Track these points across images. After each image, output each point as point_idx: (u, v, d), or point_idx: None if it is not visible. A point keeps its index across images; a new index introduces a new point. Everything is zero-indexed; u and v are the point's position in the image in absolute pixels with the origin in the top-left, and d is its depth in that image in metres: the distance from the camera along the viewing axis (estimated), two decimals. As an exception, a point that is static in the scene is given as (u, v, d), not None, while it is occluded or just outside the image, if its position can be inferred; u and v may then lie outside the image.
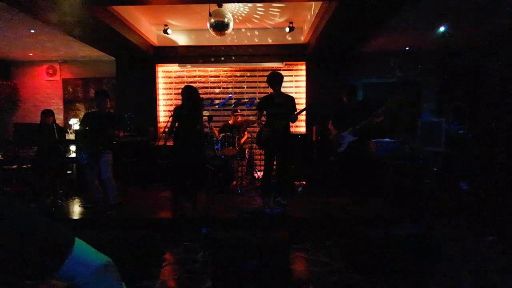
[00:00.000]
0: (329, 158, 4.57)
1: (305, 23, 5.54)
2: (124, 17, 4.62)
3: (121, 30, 4.63)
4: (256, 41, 5.92)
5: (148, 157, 5.36)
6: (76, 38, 5.01)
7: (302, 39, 5.80)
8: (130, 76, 6.11)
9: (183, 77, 6.36)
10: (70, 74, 6.94)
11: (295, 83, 6.20)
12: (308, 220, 3.56)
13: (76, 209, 4.03)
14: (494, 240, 3.08)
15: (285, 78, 6.19)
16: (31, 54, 6.44)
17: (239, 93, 6.32)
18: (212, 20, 4.22)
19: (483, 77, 5.70)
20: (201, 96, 6.26)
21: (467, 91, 6.02)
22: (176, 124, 3.89)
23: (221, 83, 6.33)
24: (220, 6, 4.36)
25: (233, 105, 6.24)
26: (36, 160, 4.45)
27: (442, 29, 5.05)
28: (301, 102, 6.03)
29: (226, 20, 4.22)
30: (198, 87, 6.29)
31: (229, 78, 6.32)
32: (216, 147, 4.64)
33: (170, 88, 6.36)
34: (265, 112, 3.95)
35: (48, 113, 4.52)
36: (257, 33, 5.90)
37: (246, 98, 6.29)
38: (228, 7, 4.74)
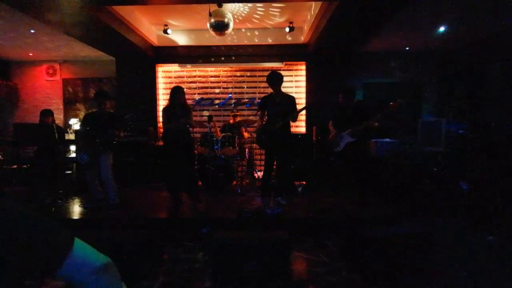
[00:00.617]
0: (329, 158, 4.57)
1: (305, 23, 5.54)
2: (124, 17, 4.62)
3: (121, 30, 4.63)
4: (256, 41, 5.92)
5: (148, 157, 5.36)
6: (76, 38, 5.01)
7: (302, 39, 5.80)
8: (130, 76, 6.11)
9: (183, 77, 6.36)
10: (70, 74, 6.94)
11: (295, 83, 6.20)
12: (308, 220, 3.56)
13: (76, 209, 4.02)
14: (494, 240, 3.08)
15: (285, 78, 6.17)
16: (31, 54, 6.44)
17: (239, 93, 6.32)
18: (212, 20, 4.22)
19: (483, 77, 5.70)
20: (201, 96, 6.29)
21: (467, 91, 6.01)
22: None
23: (221, 83, 6.33)
24: (220, 6, 4.36)
25: (233, 105, 6.24)
26: (36, 160, 4.45)
27: (442, 29, 5.05)
28: (301, 102, 6.03)
29: (226, 20, 4.22)
30: (198, 87, 6.35)
31: (229, 78, 6.32)
32: (216, 147, 4.64)
33: (170, 88, 6.33)
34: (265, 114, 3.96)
35: (47, 113, 4.52)
36: (257, 33, 5.90)
37: (246, 98, 6.29)
38: (228, 7, 4.74)
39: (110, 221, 3.55)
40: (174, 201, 3.97)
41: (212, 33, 4.40)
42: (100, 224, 3.53)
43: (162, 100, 6.32)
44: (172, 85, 4.04)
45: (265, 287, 2.23)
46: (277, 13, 5.12)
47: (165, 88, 6.36)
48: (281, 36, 5.81)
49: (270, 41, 5.92)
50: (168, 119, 3.84)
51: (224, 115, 6.26)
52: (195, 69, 6.26)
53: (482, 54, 5.71)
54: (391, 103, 3.51)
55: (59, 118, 6.74)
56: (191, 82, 6.33)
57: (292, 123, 3.94)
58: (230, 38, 5.78)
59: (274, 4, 4.78)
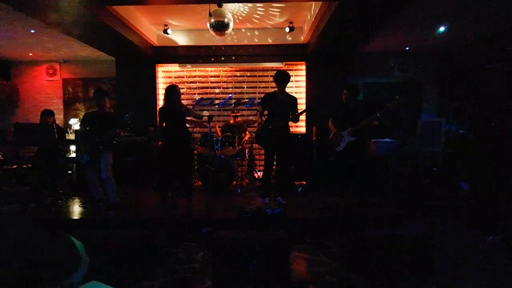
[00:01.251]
0: (329, 157, 4.57)
1: (305, 23, 5.54)
2: (124, 17, 4.62)
3: (121, 30, 4.63)
4: (256, 41, 5.92)
5: (148, 157, 5.36)
6: (76, 38, 5.01)
7: (302, 39, 5.80)
8: (130, 76, 6.11)
9: (183, 77, 6.36)
10: (70, 74, 6.94)
11: (295, 83, 6.20)
12: (308, 220, 3.56)
13: (76, 209, 4.03)
14: (494, 240, 3.08)
15: (285, 78, 6.22)
16: (31, 54, 6.44)
17: (239, 93, 6.32)
18: (212, 20, 4.22)
19: (483, 77, 5.69)
20: (201, 96, 6.28)
21: (467, 91, 6.01)
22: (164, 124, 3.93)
23: (221, 83, 6.33)
24: (220, 6, 4.36)
25: (233, 105, 6.24)
26: (36, 160, 4.45)
27: (442, 29, 5.05)
28: (301, 102, 6.02)
29: (226, 20, 4.22)
30: (198, 87, 6.35)
31: (229, 78, 6.32)
32: (216, 147, 4.64)
33: (166, 88, 6.35)
34: (266, 112, 3.96)
35: (48, 113, 4.52)
36: (257, 33, 5.90)
37: (246, 98, 6.28)
38: (228, 7, 4.74)
39: (110, 221, 3.55)
40: (162, 199, 3.97)
41: (212, 33, 4.40)
42: (100, 224, 3.53)
43: (162, 100, 6.31)
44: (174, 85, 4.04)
45: (265, 287, 2.23)
46: (277, 13, 5.12)
47: (165, 88, 6.35)
48: (281, 36, 5.81)
49: (270, 41, 5.92)
50: (165, 119, 3.84)
51: (224, 115, 6.25)
52: (195, 69, 6.26)
53: (482, 54, 5.70)
54: (389, 101, 3.51)
55: (59, 118, 6.73)
56: (191, 82, 6.33)
57: (289, 123, 3.94)
58: (230, 38, 5.78)
59: (274, 4, 4.78)
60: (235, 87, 6.32)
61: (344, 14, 3.97)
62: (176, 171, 3.88)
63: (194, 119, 4.27)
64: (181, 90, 4.08)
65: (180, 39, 5.98)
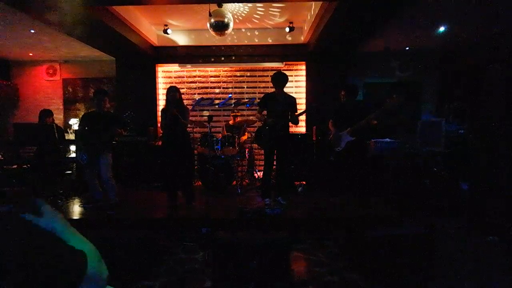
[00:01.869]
0: (329, 158, 4.57)
1: (305, 23, 5.54)
2: (124, 17, 4.62)
3: (121, 30, 4.63)
4: (256, 41, 5.92)
5: (148, 157, 5.36)
6: (76, 38, 5.01)
7: (302, 39, 5.80)
8: (130, 76, 6.11)
9: (183, 77, 6.36)
10: (70, 74, 6.94)
11: (295, 83, 6.20)
12: (308, 220, 3.56)
13: (76, 209, 4.03)
14: (494, 240, 3.08)
15: (285, 78, 6.22)
16: (31, 54, 6.44)
17: (239, 93, 6.32)
18: (212, 20, 4.22)
19: (483, 77, 5.70)
20: (201, 96, 6.28)
21: (467, 91, 6.01)
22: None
23: (221, 83, 6.33)
24: (220, 6, 4.36)
25: (233, 105, 6.24)
26: (36, 160, 4.45)
27: (442, 29, 5.05)
28: (301, 102, 6.03)
29: (226, 20, 4.22)
30: (198, 87, 6.34)
31: (229, 78, 6.32)
32: (216, 147, 4.64)
33: (166, 89, 6.35)
34: (265, 112, 3.96)
35: (47, 113, 4.52)
36: (257, 33, 5.90)
37: (246, 98, 6.28)
38: (228, 7, 4.74)
39: (110, 221, 3.55)
40: (170, 200, 3.98)
41: (212, 33, 4.40)
42: (100, 224, 3.53)
43: (162, 100, 6.32)
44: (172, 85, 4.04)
45: (265, 287, 2.23)
46: (277, 13, 5.12)
47: (165, 88, 6.34)
48: (281, 36, 5.81)
49: (270, 41, 5.92)
50: (166, 119, 3.85)
51: (224, 115, 6.25)
52: (195, 69, 6.26)
53: (482, 54, 5.70)
54: (388, 100, 3.51)
55: (59, 118, 6.74)
56: (191, 82, 6.33)
57: (293, 125, 3.94)
58: (230, 38, 5.78)
59: (274, 4, 4.78)
60: (235, 87, 6.32)
61: (344, 13, 3.97)
62: (177, 171, 3.88)
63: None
64: (181, 90, 4.07)
65: (180, 39, 5.98)
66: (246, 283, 2.22)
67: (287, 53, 6.02)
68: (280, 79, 3.82)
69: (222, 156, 4.71)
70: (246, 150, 5.37)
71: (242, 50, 5.97)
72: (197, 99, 6.30)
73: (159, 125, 6.22)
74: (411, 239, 2.44)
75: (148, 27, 5.58)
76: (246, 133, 5.52)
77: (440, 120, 4.70)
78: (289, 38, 5.82)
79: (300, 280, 2.47)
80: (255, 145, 5.59)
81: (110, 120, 3.77)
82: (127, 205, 4.05)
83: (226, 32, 4.34)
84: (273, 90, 3.98)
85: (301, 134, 5.56)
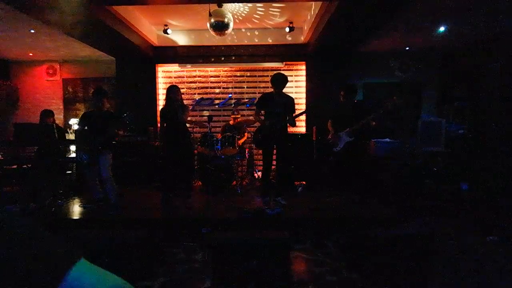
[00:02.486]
0: (329, 158, 4.57)
1: (305, 23, 5.54)
2: (124, 17, 4.62)
3: (121, 30, 4.63)
4: (256, 41, 5.92)
5: (148, 157, 5.36)
6: (76, 38, 5.01)
7: (302, 39, 5.80)
8: (130, 76, 6.11)
9: (183, 77, 6.35)
10: (70, 74, 6.94)
11: (295, 83, 6.20)
12: (308, 220, 3.56)
13: (76, 209, 4.03)
14: (494, 240, 3.08)
15: (285, 78, 6.22)
16: (31, 54, 6.44)
17: (239, 93, 6.32)
18: (212, 20, 4.22)
19: (483, 77, 5.70)
20: (201, 96, 6.29)
21: (467, 91, 6.01)
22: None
23: (221, 83, 6.33)
24: (220, 6, 4.36)
25: (233, 105, 6.24)
26: (36, 160, 4.45)
27: (442, 29, 5.05)
28: (301, 102, 6.03)
29: (226, 20, 4.22)
30: (198, 87, 6.34)
31: (229, 78, 6.32)
32: (216, 147, 4.64)
33: (166, 89, 6.35)
34: (263, 112, 3.95)
35: (48, 113, 4.52)
36: (257, 33, 5.89)
37: (246, 98, 6.28)
38: (228, 7, 4.73)
39: (110, 221, 3.55)
40: (165, 199, 3.97)
41: (212, 33, 4.40)
42: (100, 224, 3.53)
43: (162, 100, 6.32)
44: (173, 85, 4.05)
45: (265, 287, 2.23)
46: (277, 13, 5.12)
47: (165, 88, 6.34)
48: (281, 36, 5.81)
49: (270, 41, 5.92)
50: (166, 119, 3.85)
51: (224, 115, 6.25)
52: (195, 69, 6.26)
53: (482, 54, 5.70)
54: (387, 101, 3.51)
55: (59, 118, 6.73)
56: (191, 82, 6.33)
57: (293, 126, 3.94)
58: (230, 38, 5.78)
59: (274, 4, 4.77)
60: (235, 87, 6.32)
61: (344, 14, 3.97)
62: (177, 171, 3.89)
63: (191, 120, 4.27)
64: (181, 90, 4.08)
65: (180, 39, 5.98)
66: (246, 283, 2.22)
67: (287, 53, 6.02)
68: (280, 80, 3.81)
69: (222, 156, 4.71)
70: (246, 150, 5.37)
71: (242, 50, 5.97)
72: (197, 99, 6.30)
73: (159, 125, 6.22)
74: (411, 239, 2.44)
75: (148, 27, 5.58)
76: (246, 134, 5.52)
77: (440, 120, 4.71)
78: (289, 38, 5.82)
79: (300, 280, 2.47)
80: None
81: (109, 120, 3.76)
82: (127, 205, 4.04)
83: (226, 32, 4.34)
84: (271, 90, 3.98)
85: (301, 134, 5.56)
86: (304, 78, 6.15)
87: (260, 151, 4.95)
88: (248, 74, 6.30)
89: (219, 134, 5.32)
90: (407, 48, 6.16)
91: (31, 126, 4.89)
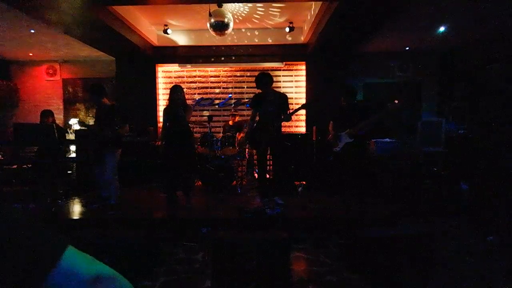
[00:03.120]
0: (329, 158, 4.57)
1: (305, 23, 5.54)
2: (124, 17, 4.62)
3: (121, 30, 4.64)
4: (256, 41, 5.92)
5: (148, 157, 5.36)
6: (76, 38, 5.01)
7: (302, 39, 5.80)
8: (130, 76, 6.11)
9: (183, 77, 6.36)
10: (70, 74, 6.94)
11: (295, 83, 6.20)
12: (308, 220, 3.56)
13: (76, 209, 4.03)
14: (494, 240, 3.08)
15: (285, 78, 6.25)
16: (31, 54, 6.44)
17: (239, 93, 6.32)
18: (212, 20, 4.22)
19: (483, 77, 5.70)
20: (201, 96, 6.29)
21: (467, 91, 6.01)
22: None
23: (221, 83, 6.33)
24: (220, 6, 4.36)
25: (233, 105, 6.25)
26: (36, 160, 4.45)
27: (442, 29, 5.05)
28: (301, 102, 6.03)
29: (226, 20, 4.22)
30: (198, 87, 6.35)
31: (229, 78, 6.32)
32: (216, 147, 4.64)
33: (170, 88, 6.35)
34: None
35: (47, 114, 4.53)
36: (257, 33, 5.90)
37: (246, 98, 6.28)
38: (228, 7, 4.74)
39: (110, 221, 3.55)
40: (169, 199, 3.97)
41: (212, 33, 4.40)
42: (100, 224, 3.53)
43: (162, 100, 6.32)
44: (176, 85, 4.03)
45: (265, 287, 2.23)
46: (277, 13, 5.12)
47: (165, 88, 6.36)
48: (281, 36, 5.81)
49: (270, 41, 5.92)
50: (169, 119, 3.85)
51: (224, 115, 6.25)
52: (195, 69, 6.26)
53: (482, 54, 5.71)
54: (390, 104, 3.51)
55: (59, 118, 6.73)
56: (191, 82, 6.33)
57: (289, 123, 3.92)
58: (230, 38, 5.78)
59: (274, 4, 4.78)
60: (235, 87, 6.32)
61: (344, 14, 3.97)
62: (179, 170, 3.88)
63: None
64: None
65: (180, 39, 5.98)
66: (246, 283, 2.22)
67: (287, 53, 6.02)
68: (261, 79, 3.77)
69: (222, 156, 4.71)
70: (246, 150, 5.37)
71: (242, 50, 5.97)
72: (197, 99, 6.30)
73: (159, 125, 6.23)
74: (411, 239, 2.44)
75: (148, 27, 5.58)
76: (241, 133, 5.51)
77: (440, 120, 4.71)
78: (289, 38, 5.82)
79: (300, 280, 2.47)
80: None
81: (110, 112, 3.65)
82: (127, 205, 4.04)
83: (226, 32, 4.35)
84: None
85: (301, 134, 5.56)
86: (304, 78, 6.15)
87: (260, 151, 4.94)
88: (248, 74, 6.30)
89: (219, 134, 5.33)
90: (407, 48, 6.16)
91: (31, 126, 4.89)
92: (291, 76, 6.21)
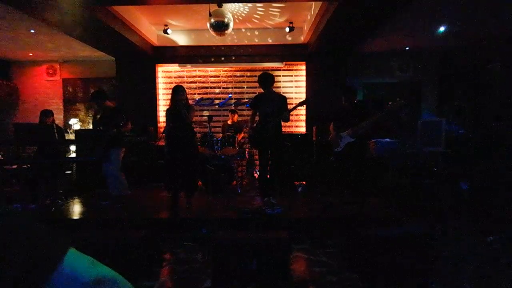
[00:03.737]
0: (329, 158, 4.57)
1: (305, 23, 5.54)
2: (124, 17, 4.62)
3: (121, 30, 4.63)
4: (256, 41, 5.92)
5: (148, 157, 5.36)
6: (76, 38, 5.01)
7: (302, 39, 5.80)
8: (130, 76, 6.11)
9: (183, 77, 6.36)
10: (70, 74, 6.94)
11: (295, 83, 6.20)
12: (308, 220, 3.55)
13: (76, 209, 4.03)
14: (494, 240, 3.08)
15: (285, 78, 6.25)
16: (31, 54, 6.44)
17: (239, 93, 6.32)
18: (212, 20, 4.22)
19: (483, 77, 5.70)
20: (201, 96, 6.29)
21: (467, 91, 6.02)
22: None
23: (221, 83, 6.33)
24: (220, 6, 4.36)
25: (233, 105, 6.25)
26: (36, 160, 4.45)
27: (442, 29, 5.05)
28: (301, 102, 6.03)
29: (226, 20, 4.22)
30: (198, 87, 6.34)
31: (229, 78, 6.32)
32: (216, 147, 4.64)
33: (170, 88, 6.32)
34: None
35: (47, 114, 4.53)
36: (257, 33, 5.90)
37: (246, 98, 6.28)
38: (228, 7, 4.74)
39: (110, 221, 3.55)
40: (172, 200, 3.98)
41: (212, 33, 4.40)
42: (100, 224, 3.53)
43: (162, 100, 6.33)
44: (172, 85, 4.05)
45: (265, 287, 2.23)
46: (277, 13, 5.12)
47: (165, 88, 6.36)
48: (281, 36, 5.81)
49: (270, 41, 5.92)
50: (172, 119, 3.84)
51: (224, 115, 6.25)
52: (195, 69, 6.26)
53: (482, 54, 5.71)
54: (389, 103, 3.51)
55: (59, 118, 6.74)
56: (191, 82, 6.33)
57: (289, 123, 3.92)
58: (230, 38, 5.78)
59: (274, 4, 4.78)
60: (235, 87, 6.32)
61: (344, 14, 3.97)
62: (182, 171, 3.89)
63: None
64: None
65: (180, 39, 5.98)
66: (246, 283, 2.22)
67: (287, 53, 6.02)
68: (265, 79, 3.80)
69: (222, 156, 4.71)
70: (246, 150, 5.38)
71: (242, 50, 5.97)
72: (197, 99, 6.30)
73: (159, 125, 6.23)
74: (411, 239, 2.44)
75: (148, 27, 5.58)
76: (242, 133, 5.51)
77: (440, 120, 4.70)
78: (289, 38, 5.82)
79: (300, 280, 2.47)
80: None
81: (113, 113, 3.93)
82: (127, 205, 4.04)
83: (226, 32, 4.35)
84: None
85: (301, 134, 5.56)
86: (304, 78, 6.15)
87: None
88: (248, 74, 6.30)
89: (219, 134, 5.33)
90: (407, 48, 6.16)
91: (31, 126, 4.89)
92: (291, 76, 6.21)
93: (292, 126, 6.18)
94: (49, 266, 0.46)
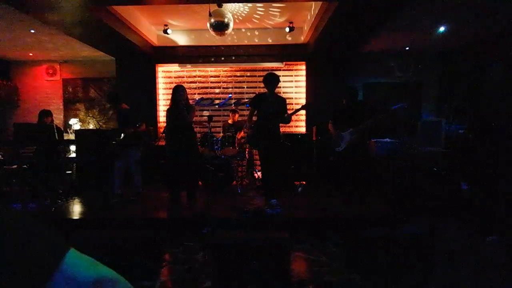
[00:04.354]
0: (329, 158, 4.57)
1: (305, 23, 5.54)
2: (124, 17, 4.62)
3: (121, 30, 4.63)
4: (256, 41, 5.92)
5: (148, 157, 5.35)
6: (76, 38, 5.01)
7: (302, 39, 5.80)
8: (130, 76, 6.11)
9: (183, 77, 6.35)
10: (70, 74, 6.94)
11: (295, 83, 6.20)
12: (308, 220, 3.56)
13: (76, 209, 4.03)
14: (494, 240, 3.08)
15: (285, 78, 6.25)
16: (31, 54, 6.44)
17: (239, 93, 6.32)
18: (212, 20, 4.22)
19: (483, 77, 5.70)
20: (201, 96, 6.29)
21: (467, 91, 6.01)
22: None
23: (221, 83, 6.33)
24: (220, 6, 4.36)
25: (233, 105, 6.24)
26: (35, 160, 4.45)
27: (442, 29, 5.05)
28: (301, 102, 6.03)
29: (226, 20, 4.22)
30: (198, 87, 6.34)
31: (229, 78, 6.32)
32: (216, 147, 4.64)
33: (170, 88, 6.34)
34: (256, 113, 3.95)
35: (46, 114, 4.54)
36: (257, 33, 5.89)
37: (246, 98, 6.28)
38: (228, 7, 4.74)
39: (110, 221, 3.55)
40: (172, 200, 3.98)
41: (212, 33, 4.40)
42: (100, 224, 3.53)
43: (162, 100, 6.32)
44: (172, 85, 4.06)
45: (265, 287, 2.23)
46: (277, 13, 5.12)
47: (165, 88, 6.36)
48: (281, 36, 5.81)
49: (270, 41, 5.92)
50: (172, 119, 3.84)
51: (224, 115, 6.25)
52: (195, 69, 6.26)
53: (482, 54, 5.70)
54: (392, 108, 3.51)
55: (59, 118, 6.74)
56: (191, 82, 6.33)
57: (286, 124, 3.93)
58: (230, 38, 5.78)
59: (274, 4, 4.77)
60: (235, 87, 6.32)
61: (344, 13, 3.97)
62: (183, 171, 3.89)
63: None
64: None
65: (180, 39, 5.98)
66: (246, 283, 2.22)
67: (287, 53, 6.01)
68: (273, 79, 3.81)
69: (222, 156, 4.71)
70: (246, 150, 5.38)
71: (242, 50, 5.96)
72: (197, 99, 6.30)
73: (159, 125, 6.22)
74: (411, 239, 2.44)
75: (148, 27, 5.58)
76: (241, 132, 5.51)
77: (440, 120, 4.70)
78: (289, 38, 5.82)
79: (300, 280, 2.47)
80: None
81: (128, 114, 4.15)
82: (127, 205, 4.05)
83: (226, 32, 4.34)
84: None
85: (301, 134, 5.56)
86: (304, 78, 6.15)
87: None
88: (248, 74, 6.30)
89: (219, 134, 5.33)
90: (407, 48, 6.16)
91: (31, 126, 4.89)
92: (291, 76, 6.21)
93: (292, 126, 6.18)
94: (49, 267, 0.46)
